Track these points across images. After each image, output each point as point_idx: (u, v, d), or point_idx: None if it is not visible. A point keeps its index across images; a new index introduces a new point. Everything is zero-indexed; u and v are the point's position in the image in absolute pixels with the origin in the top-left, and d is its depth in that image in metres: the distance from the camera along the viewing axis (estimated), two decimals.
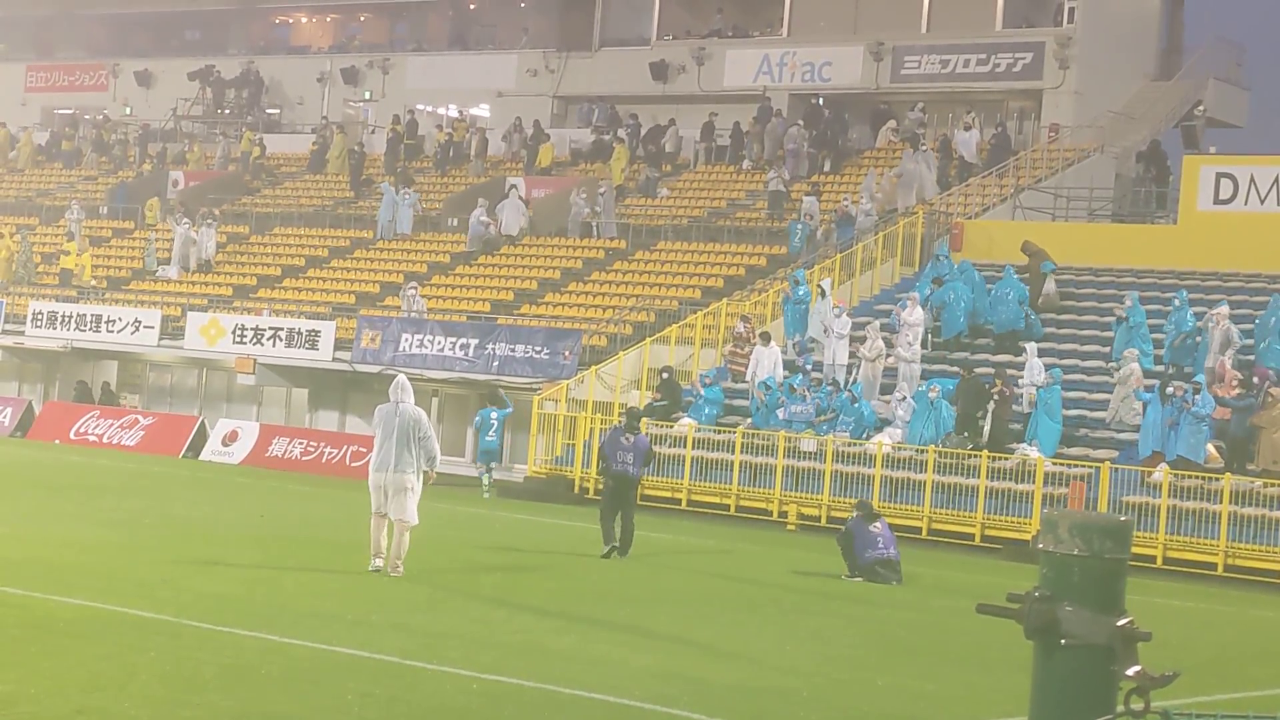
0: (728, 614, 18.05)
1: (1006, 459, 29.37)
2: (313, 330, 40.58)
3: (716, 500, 31.92)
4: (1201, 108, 47.56)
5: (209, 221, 48.04)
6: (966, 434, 30.21)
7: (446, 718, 11.44)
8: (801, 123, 46.76)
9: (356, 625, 14.93)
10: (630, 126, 50.50)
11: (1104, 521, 4.44)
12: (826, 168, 46.02)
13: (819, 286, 35.53)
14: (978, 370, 31.61)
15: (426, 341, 38.58)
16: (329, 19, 63.80)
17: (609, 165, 48.50)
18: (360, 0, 62.59)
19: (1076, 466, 28.79)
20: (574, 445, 33.74)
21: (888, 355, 33.33)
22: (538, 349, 37.02)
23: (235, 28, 65.11)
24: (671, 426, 33.06)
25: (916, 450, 30.18)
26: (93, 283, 47.18)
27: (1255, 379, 28.91)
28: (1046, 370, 30.61)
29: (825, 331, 34.25)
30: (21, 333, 44.74)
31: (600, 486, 24.88)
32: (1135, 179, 43.91)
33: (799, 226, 40.29)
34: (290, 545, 21.68)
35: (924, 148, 42.86)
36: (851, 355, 33.89)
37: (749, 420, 32.76)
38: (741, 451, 31.81)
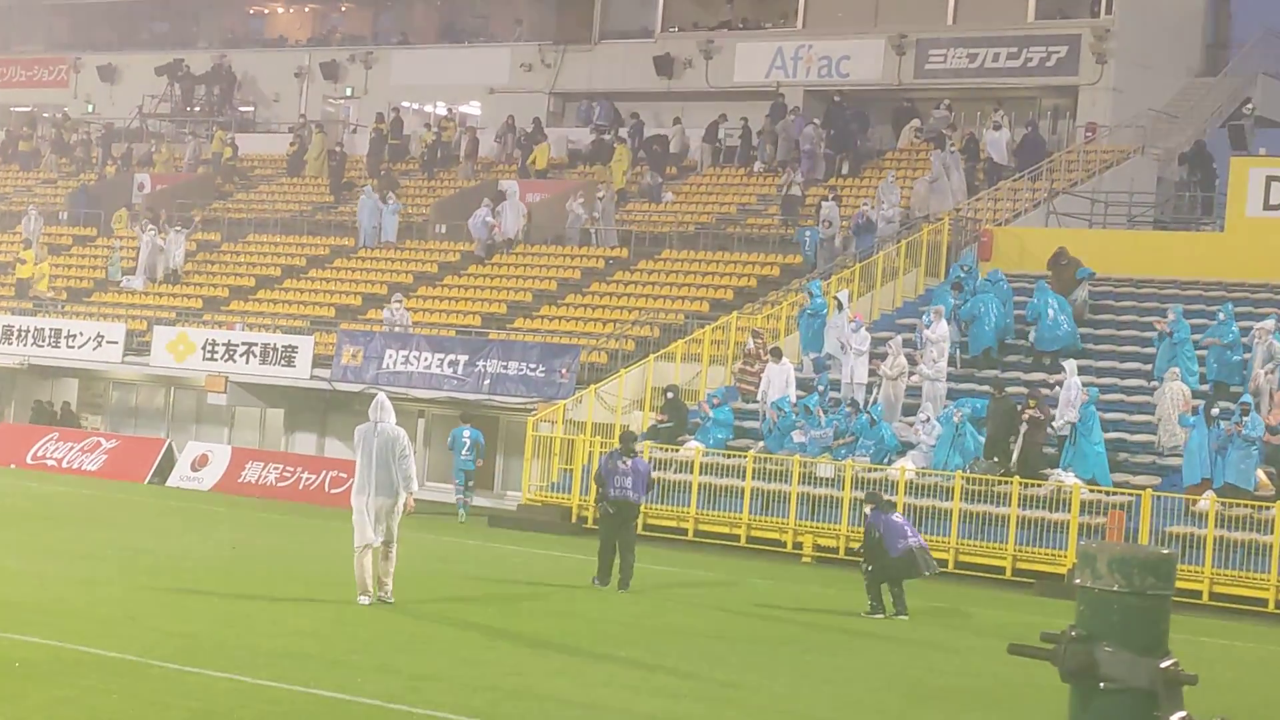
0: (738, 653, 18.02)
1: (1040, 486, 29.33)
2: (289, 346, 40.58)
3: (726, 530, 31.89)
4: (1250, 105, 47.57)
5: (178, 228, 48.08)
6: (997, 459, 30.16)
7: None
8: (818, 121, 46.79)
9: (336, 666, 14.91)
10: (633, 126, 50.56)
11: (1146, 555, 4.43)
12: (844, 170, 46.06)
13: (835, 298, 35.50)
14: (1009, 390, 31.57)
15: (412, 358, 38.59)
16: (307, 9, 63.92)
17: (609, 167, 48.53)
18: None
19: (1116, 494, 28.74)
20: (571, 471, 33.72)
21: (911, 373, 33.29)
22: (532, 366, 37.02)
23: (206, 19, 65.24)
24: (677, 450, 33.05)
25: (942, 476, 30.15)
26: (51, 294, 47.20)
27: None
28: (1084, 389, 30.55)
29: (843, 348, 34.24)
30: None
31: (599, 515, 24.91)
32: (1179, 182, 43.93)
33: (808, 234, 40.29)
34: (265, 579, 21.65)
35: (951, 148, 42.88)
36: (871, 373, 33.87)
37: (760, 444, 32.73)
38: (753, 478, 31.79)
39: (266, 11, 64.84)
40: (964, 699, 16.24)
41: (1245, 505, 27.60)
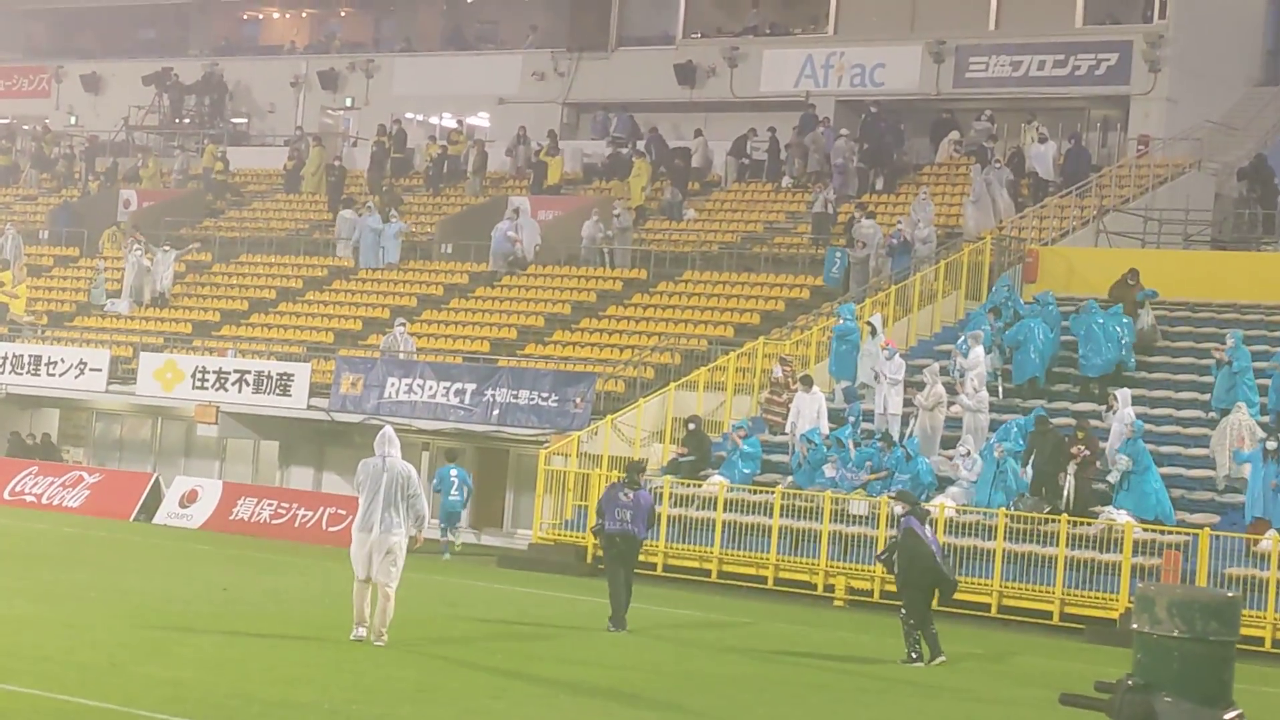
0: (765, 703, 17.97)
1: (1089, 524, 29.23)
2: (285, 374, 40.64)
3: (752, 571, 31.83)
4: None
5: (165, 247, 48.19)
6: (1043, 493, 30.06)
7: None
8: (850, 134, 46.80)
9: (334, 717, 14.89)
10: (652, 138, 50.62)
11: (1209, 598, 4.40)
12: (879, 186, 46.07)
13: (868, 323, 35.45)
14: (1055, 421, 31.49)
15: (416, 387, 38.62)
16: (304, 14, 64.17)
17: (627, 183, 48.58)
18: None
19: (1171, 534, 28.65)
20: (586, 507, 33.66)
21: (950, 404, 33.22)
22: (545, 395, 37.02)
23: (196, 25, 65.52)
24: (699, 486, 33.00)
25: (984, 514, 30.07)
26: (30, 318, 47.32)
27: None
28: (1128, 425, 30.41)
29: (876, 377, 34.21)
30: None
31: (602, 552, 25.06)
32: (1237, 199, 43.87)
33: (839, 255, 40.27)
34: (258, 622, 21.65)
35: (996, 163, 42.81)
36: (906, 403, 33.82)
37: (789, 478, 32.67)
38: (781, 515, 31.75)
39: (261, 17, 65.09)
40: None
41: None
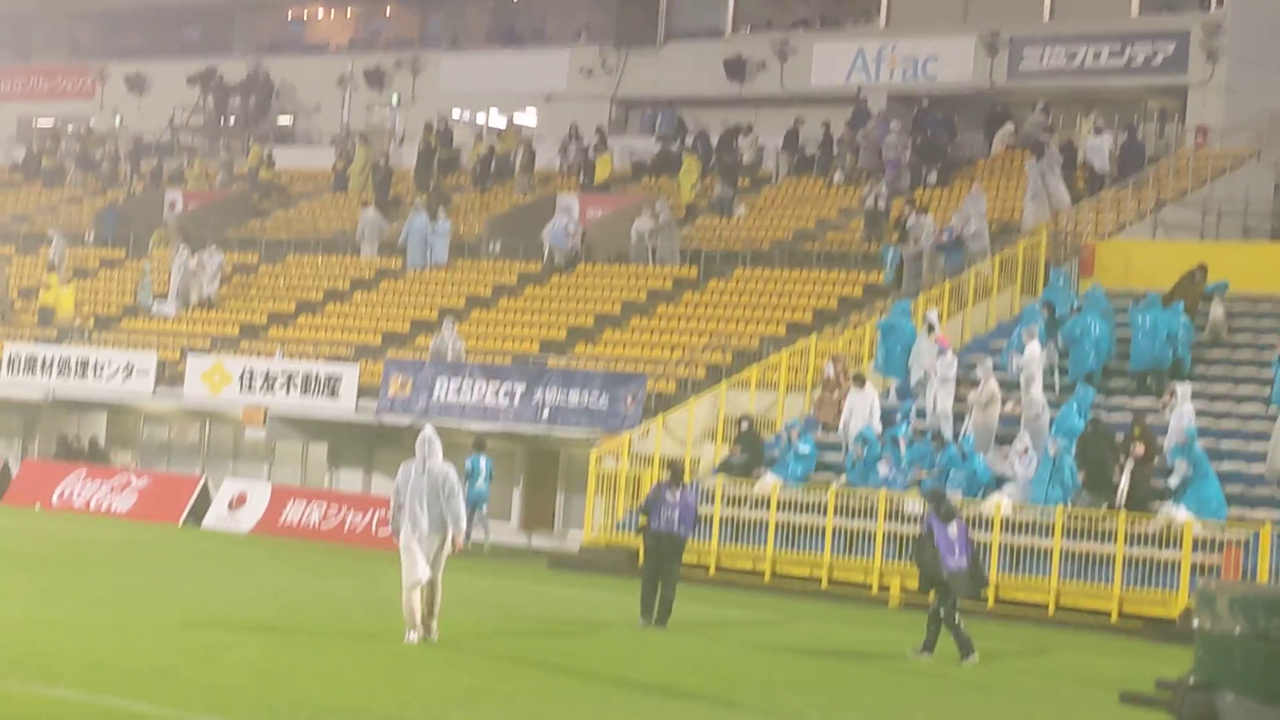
0: (820, 705, 17.96)
1: (1148, 521, 29.13)
2: (332, 375, 40.76)
3: (806, 573, 31.80)
4: None
5: (213, 249, 48.34)
6: (1097, 492, 29.96)
7: None
8: (902, 127, 46.69)
9: None
10: (701, 134, 50.59)
11: (1271, 595, 4.41)
12: (932, 180, 45.93)
13: (925, 320, 35.35)
14: (1110, 417, 31.38)
15: (465, 388, 38.69)
16: (349, 12, 64.25)
17: (676, 180, 48.58)
18: None
19: (1232, 530, 28.53)
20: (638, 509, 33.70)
21: (1005, 401, 33.13)
22: (595, 396, 37.04)
23: (241, 24, 65.67)
24: (752, 486, 32.98)
25: (1041, 512, 29.98)
26: (77, 322, 47.52)
27: None
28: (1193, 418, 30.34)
29: (926, 375, 34.15)
30: None
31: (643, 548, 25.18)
32: None
33: (892, 251, 40.17)
34: (308, 627, 21.74)
35: (1053, 156, 42.60)
36: (958, 399, 33.74)
37: (842, 478, 32.64)
38: (835, 514, 31.71)
39: (306, 16, 65.15)
40: None
41: None
